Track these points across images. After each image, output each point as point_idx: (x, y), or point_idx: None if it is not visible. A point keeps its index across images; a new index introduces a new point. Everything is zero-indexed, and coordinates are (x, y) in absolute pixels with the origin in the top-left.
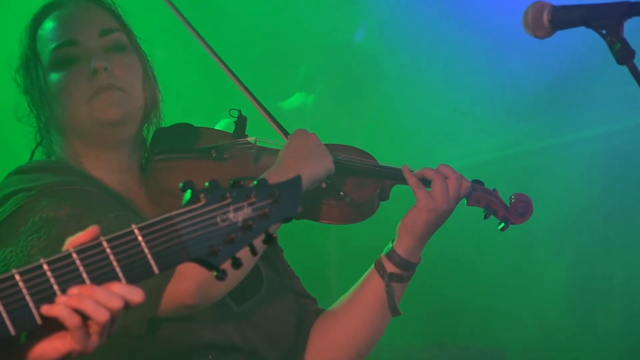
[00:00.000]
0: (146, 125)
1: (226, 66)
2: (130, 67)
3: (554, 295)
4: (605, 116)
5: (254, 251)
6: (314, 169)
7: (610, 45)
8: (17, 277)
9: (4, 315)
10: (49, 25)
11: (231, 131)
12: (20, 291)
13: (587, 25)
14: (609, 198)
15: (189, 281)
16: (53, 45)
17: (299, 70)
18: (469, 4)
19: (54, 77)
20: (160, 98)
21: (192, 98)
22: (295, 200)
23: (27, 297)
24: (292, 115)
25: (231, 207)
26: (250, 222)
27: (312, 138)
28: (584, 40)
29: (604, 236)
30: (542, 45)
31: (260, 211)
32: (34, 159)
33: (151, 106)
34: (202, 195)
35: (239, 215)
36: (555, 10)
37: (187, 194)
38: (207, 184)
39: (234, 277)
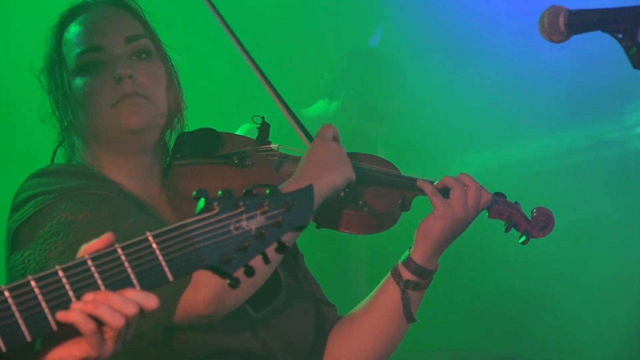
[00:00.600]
0: (169, 130)
1: (258, 68)
2: (154, 75)
3: (572, 299)
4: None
5: (266, 259)
6: (333, 177)
7: (626, 50)
8: (33, 283)
9: (20, 321)
10: (75, 29)
11: (253, 136)
12: (35, 297)
13: (603, 30)
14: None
15: (204, 291)
16: (78, 50)
17: (322, 76)
18: (492, 9)
19: (78, 81)
20: (184, 104)
21: (215, 102)
22: (307, 209)
23: (43, 304)
24: (314, 121)
25: (244, 216)
26: (263, 231)
27: (332, 146)
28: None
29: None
30: (564, 50)
31: (273, 220)
32: (54, 162)
33: (174, 112)
34: (215, 203)
35: (252, 223)
36: (572, 14)
37: (201, 202)
38: (220, 192)
39: (249, 286)
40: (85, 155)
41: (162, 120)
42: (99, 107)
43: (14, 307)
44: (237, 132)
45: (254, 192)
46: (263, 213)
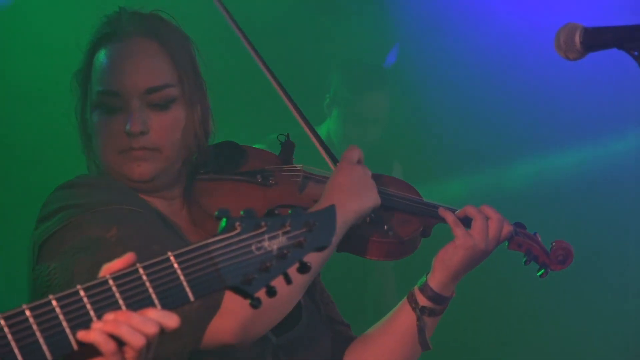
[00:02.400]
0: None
1: (283, 89)
2: (170, 126)
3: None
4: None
5: (288, 280)
6: (359, 203)
7: None
8: (54, 302)
9: (41, 340)
10: (102, 59)
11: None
12: (57, 317)
13: (619, 47)
14: None
15: (231, 320)
16: (98, 89)
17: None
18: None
19: (95, 116)
20: (213, 129)
21: (235, 120)
22: (329, 230)
23: (64, 323)
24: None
25: (266, 236)
26: (285, 251)
27: (358, 170)
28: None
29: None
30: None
31: (294, 240)
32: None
33: (195, 148)
34: (237, 223)
35: (273, 244)
36: (587, 32)
37: (223, 222)
38: (242, 212)
39: (276, 315)
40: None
41: (175, 166)
42: (107, 150)
43: (34, 327)
44: None
45: (276, 212)
46: (285, 233)
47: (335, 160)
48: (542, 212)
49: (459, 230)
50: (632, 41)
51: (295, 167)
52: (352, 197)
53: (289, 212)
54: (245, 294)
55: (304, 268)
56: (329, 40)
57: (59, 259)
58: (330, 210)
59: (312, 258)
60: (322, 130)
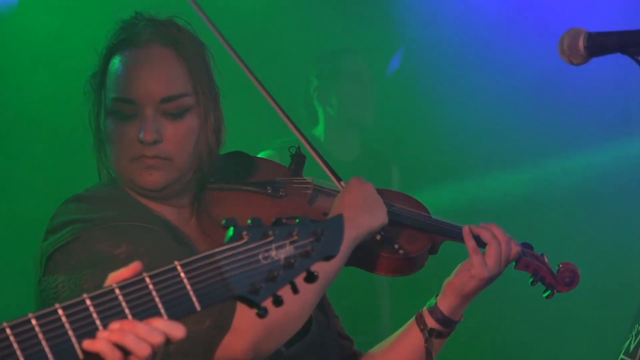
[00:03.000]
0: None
1: (280, 108)
2: (184, 136)
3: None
4: None
5: (295, 289)
6: (369, 221)
7: None
8: (60, 311)
9: (47, 349)
10: (117, 64)
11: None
12: (62, 326)
13: (623, 52)
14: None
15: (243, 338)
16: (113, 95)
17: (311, 83)
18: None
19: (108, 122)
20: (224, 139)
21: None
22: (337, 239)
23: (70, 332)
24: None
25: (273, 245)
26: (292, 260)
27: (367, 188)
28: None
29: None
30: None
31: (302, 249)
32: (95, 185)
33: (207, 158)
34: (244, 232)
35: (281, 253)
36: (591, 36)
37: (230, 231)
38: (249, 221)
39: (287, 332)
40: (118, 179)
41: (186, 174)
42: (120, 157)
43: (40, 336)
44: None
45: (284, 221)
46: (292, 243)
47: (339, 179)
48: (543, 218)
49: (477, 259)
50: (635, 46)
51: (306, 179)
52: (363, 213)
53: (297, 221)
54: (251, 304)
55: (311, 277)
56: (330, 43)
57: (66, 272)
58: (338, 220)
59: (322, 271)
60: (319, 131)
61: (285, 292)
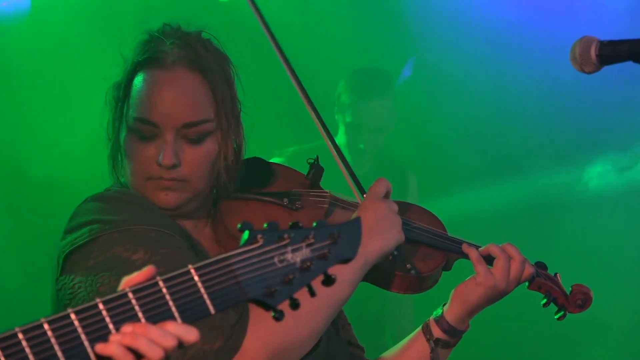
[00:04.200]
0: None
1: (317, 115)
2: (202, 160)
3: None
4: None
5: (312, 292)
6: (380, 246)
7: None
8: (73, 316)
9: (59, 354)
10: (142, 83)
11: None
12: (75, 330)
13: (635, 60)
14: None
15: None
16: (135, 115)
17: (340, 99)
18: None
19: (128, 138)
20: (242, 160)
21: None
22: (354, 242)
23: (82, 336)
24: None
25: (289, 248)
26: (309, 263)
27: (383, 208)
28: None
29: None
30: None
31: (318, 252)
32: (114, 185)
33: (225, 177)
34: (259, 236)
35: (297, 256)
36: (603, 45)
37: (245, 235)
38: (265, 225)
39: (296, 354)
40: (134, 187)
41: (201, 195)
42: (136, 174)
43: (53, 340)
44: None
45: (300, 225)
46: (308, 245)
47: (363, 191)
48: (560, 226)
49: (481, 268)
50: None
51: (324, 192)
52: (376, 237)
53: (314, 224)
54: (267, 307)
55: (328, 280)
56: (340, 50)
57: (83, 273)
58: (356, 223)
59: (329, 298)
60: (339, 139)
61: (291, 319)
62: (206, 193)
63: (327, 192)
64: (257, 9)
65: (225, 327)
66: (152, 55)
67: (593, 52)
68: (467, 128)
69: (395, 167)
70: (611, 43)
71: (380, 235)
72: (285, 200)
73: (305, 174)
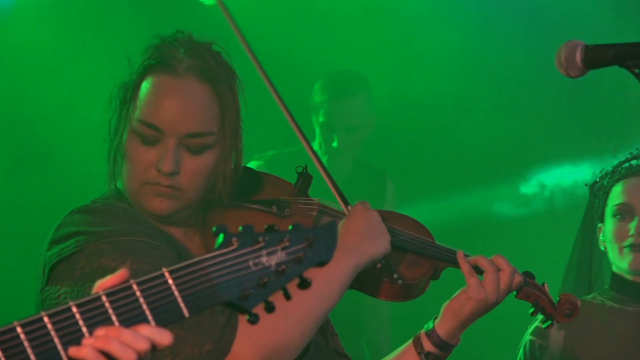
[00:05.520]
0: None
1: (297, 125)
2: (200, 171)
3: None
4: None
5: (287, 295)
6: (372, 250)
7: None
8: (46, 319)
9: (32, 357)
10: (150, 87)
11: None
12: (48, 333)
13: (620, 64)
14: None
15: None
16: (140, 118)
17: (314, 99)
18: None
19: (130, 140)
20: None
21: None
22: (330, 245)
23: (56, 340)
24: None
25: (264, 251)
26: (283, 267)
27: (371, 215)
28: None
29: None
30: None
31: (293, 255)
32: (101, 197)
33: (220, 188)
34: (234, 239)
35: (272, 259)
36: (589, 49)
37: (220, 238)
38: (240, 228)
39: (286, 356)
40: (128, 191)
41: (193, 205)
42: (133, 177)
43: (26, 343)
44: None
45: (276, 228)
46: (284, 249)
47: (347, 203)
48: (539, 233)
49: (472, 281)
50: (633, 58)
51: (312, 200)
52: (366, 241)
53: (289, 227)
54: (241, 310)
55: (304, 284)
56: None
57: (69, 284)
58: (331, 226)
59: (321, 296)
60: (316, 145)
61: (284, 313)
62: (198, 203)
63: (315, 200)
64: (227, 12)
65: (214, 330)
66: (164, 60)
67: (578, 57)
68: (448, 135)
69: (374, 173)
70: (597, 47)
71: (372, 240)
72: (274, 207)
73: (294, 182)
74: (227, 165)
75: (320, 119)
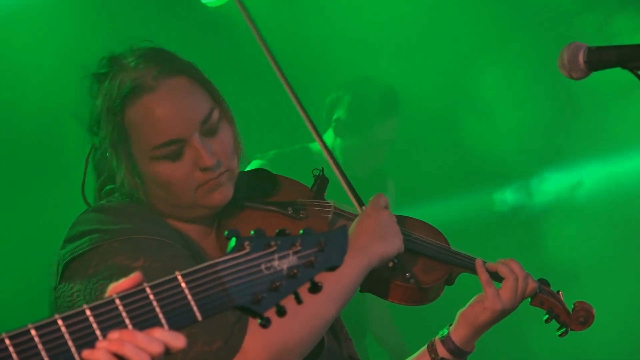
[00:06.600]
0: None
1: (315, 128)
2: (228, 145)
3: None
4: None
5: (299, 300)
6: (383, 249)
7: None
8: (60, 322)
9: None
10: (139, 113)
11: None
12: (62, 336)
13: (623, 66)
14: None
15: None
16: (153, 144)
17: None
18: None
19: (158, 166)
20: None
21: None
22: (341, 250)
23: (69, 342)
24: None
25: (276, 255)
26: (295, 270)
27: (385, 215)
28: None
29: None
30: None
31: (305, 259)
32: (114, 198)
33: (241, 147)
34: (246, 243)
35: (283, 263)
36: (591, 51)
37: (232, 242)
38: (252, 232)
39: (298, 353)
40: (144, 197)
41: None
42: (183, 193)
43: (40, 346)
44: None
45: (287, 232)
46: (295, 253)
47: (361, 203)
48: (544, 234)
49: (490, 292)
50: (635, 60)
51: (327, 202)
52: (377, 240)
53: (301, 232)
54: (254, 314)
55: (315, 288)
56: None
57: (83, 282)
58: (342, 231)
59: (333, 295)
60: (327, 140)
61: (294, 311)
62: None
63: (331, 203)
64: (246, 10)
65: (225, 327)
66: (131, 87)
67: (581, 59)
68: (449, 134)
69: (374, 173)
70: (600, 49)
71: (382, 238)
72: (290, 209)
73: (311, 187)
74: (235, 128)
75: (356, 139)
